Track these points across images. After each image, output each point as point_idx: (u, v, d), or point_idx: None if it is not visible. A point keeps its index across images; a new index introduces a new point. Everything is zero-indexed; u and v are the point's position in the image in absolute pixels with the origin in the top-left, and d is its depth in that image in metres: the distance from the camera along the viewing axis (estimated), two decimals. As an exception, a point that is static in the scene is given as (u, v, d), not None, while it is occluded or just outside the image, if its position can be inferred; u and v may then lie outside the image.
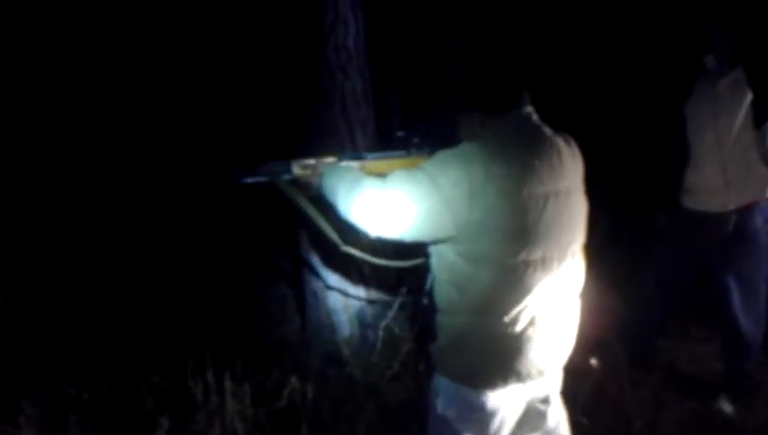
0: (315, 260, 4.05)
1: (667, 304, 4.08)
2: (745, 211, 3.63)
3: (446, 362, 2.27)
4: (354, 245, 2.75)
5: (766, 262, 3.77)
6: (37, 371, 3.60)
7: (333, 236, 2.69)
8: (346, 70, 3.90)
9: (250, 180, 2.54)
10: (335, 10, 3.81)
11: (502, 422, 2.26)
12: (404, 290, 4.07)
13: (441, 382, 2.30)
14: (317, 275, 4.07)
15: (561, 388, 2.45)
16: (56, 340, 4.06)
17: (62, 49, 4.84)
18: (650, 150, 4.17)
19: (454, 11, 4.78)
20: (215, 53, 4.77)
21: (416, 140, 2.55)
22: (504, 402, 2.23)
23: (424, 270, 2.36)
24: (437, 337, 2.29)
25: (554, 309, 2.21)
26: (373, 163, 2.54)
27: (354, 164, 2.52)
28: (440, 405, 2.30)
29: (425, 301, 2.37)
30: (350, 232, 2.50)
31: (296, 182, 2.54)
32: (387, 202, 2.12)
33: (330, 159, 2.54)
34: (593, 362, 3.98)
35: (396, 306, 4.09)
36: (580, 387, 3.44)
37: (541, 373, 2.24)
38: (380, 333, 4.06)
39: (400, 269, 2.94)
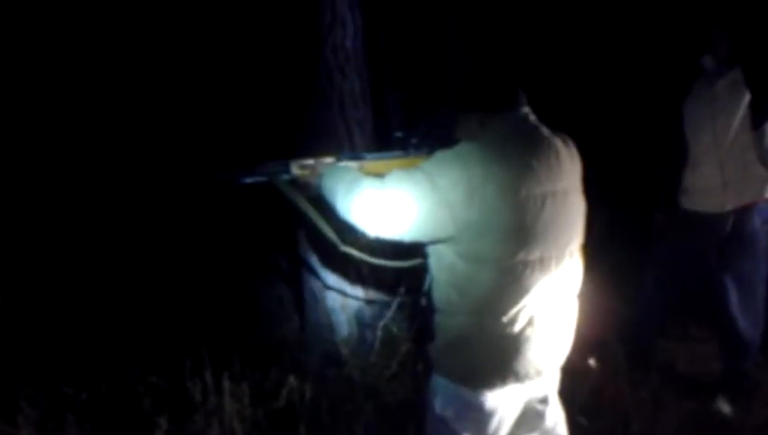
0: (314, 260, 4.05)
1: (666, 305, 4.09)
2: (743, 212, 3.64)
3: (445, 362, 2.27)
4: (353, 245, 2.75)
5: (764, 262, 3.77)
6: (35, 370, 3.60)
7: (332, 236, 2.68)
8: (344, 70, 3.90)
9: (249, 180, 2.54)
10: (333, 10, 3.81)
11: (500, 422, 2.26)
12: (402, 290, 4.07)
13: (439, 382, 2.30)
14: (316, 275, 4.07)
15: (559, 388, 2.46)
16: (54, 340, 4.06)
17: (62, 49, 4.84)
18: (648, 151, 4.18)
19: (454, 11, 4.77)
20: (213, 53, 4.77)
21: (414, 141, 2.55)
22: (503, 402, 2.23)
23: (422, 270, 2.36)
24: (436, 337, 2.29)
25: (553, 309, 2.21)
26: (372, 163, 2.53)
27: (353, 164, 2.51)
28: (438, 405, 2.30)
29: (423, 301, 2.37)
30: (348, 232, 2.50)
31: (295, 182, 2.54)
32: (385, 202, 2.12)
33: (328, 160, 2.54)
34: (592, 362, 3.98)
35: (394, 306, 4.10)
36: (578, 387, 3.45)
37: (539, 373, 2.24)
38: (379, 334, 4.06)
39: (399, 269, 2.94)
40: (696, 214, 3.76)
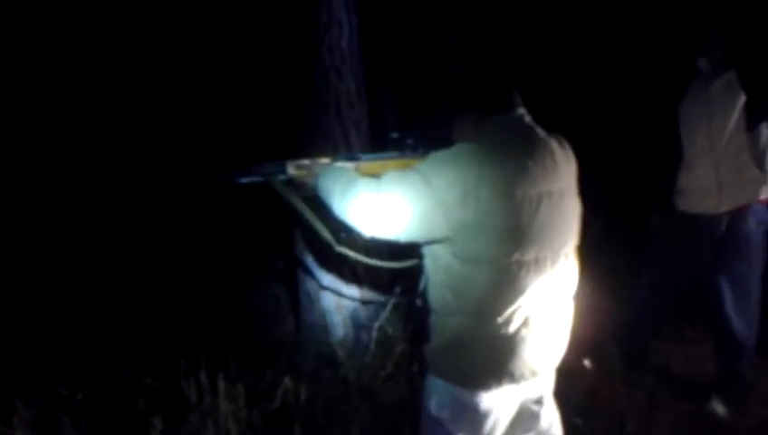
0: (309, 261, 4.04)
1: (661, 306, 4.09)
2: (738, 213, 3.64)
3: (440, 363, 2.27)
4: (348, 245, 2.74)
5: (759, 264, 3.77)
6: (31, 371, 3.60)
7: (328, 236, 2.68)
8: (340, 71, 3.90)
9: (245, 180, 2.53)
10: (329, 11, 3.81)
11: (495, 423, 2.26)
12: (398, 291, 4.07)
13: (434, 383, 2.30)
14: (311, 275, 4.07)
15: (554, 389, 2.46)
16: (50, 341, 4.05)
17: (62, 50, 4.83)
18: (644, 152, 4.18)
19: (453, 11, 4.78)
20: (210, 53, 4.77)
21: (410, 142, 2.55)
22: (498, 403, 2.23)
23: (418, 271, 2.36)
24: (431, 338, 2.29)
25: (548, 310, 2.21)
26: (368, 164, 2.54)
27: (349, 165, 2.52)
28: (433, 406, 2.30)
29: (418, 302, 2.37)
30: (344, 233, 2.50)
31: (291, 182, 2.54)
32: (381, 203, 2.12)
33: (324, 160, 2.54)
34: (587, 363, 3.99)
35: (389, 307, 4.09)
36: (573, 388, 3.45)
37: (534, 374, 2.24)
38: (374, 334, 4.06)
39: (394, 270, 2.94)
40: (691, 215, 3.77)
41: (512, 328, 2.13)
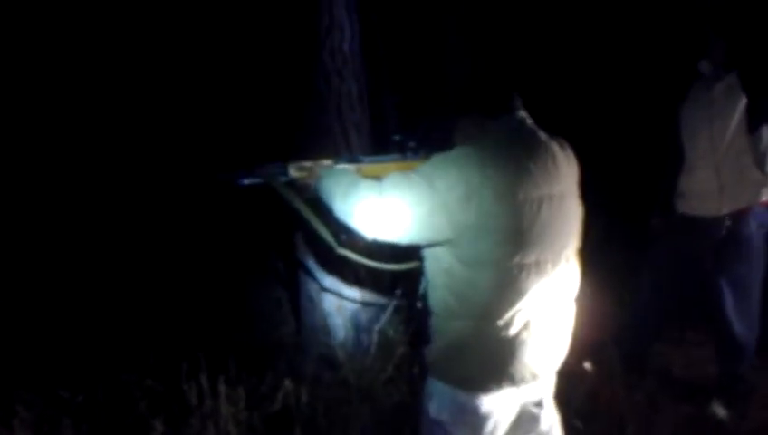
0: (310, 263, 4.05)
1: (662, 309, 4.09)
2: (739, 216, 3.64)
3: (440, 366, 2.27)
4: (350, 247, 2.74)
5: (759, 266, 3.77)
6: (32, 374, 3.60)
7: (329, 238, 2.68)
8: (341, 73, 3.91)
9: (247, 182, 2.53)
10: (331, 14, 3.82)
11: (495, 426, 2.26)
12: (399, 293, 4.07)
13: (435, 386, 2.30)
14: (312, 277, 4.07)
15: (554, 391, 2.46)
16: (51, 343, 4.05)
17: (62, 51, 4.84)
18: (645, 155, 4.18)
19: (454, 14, 4.79)
20: (212, 56, 4.77)
21: (412, 144, 2.55)
22: (498, 406, 2.23)
23: (419, 273, 2.36)
24: (432, 340, 2.29)
25: (548, 313, 2.21)
26: (370, 166, 2.54)
27: (350, 167, 2.52)
28: (434, 408, 2.30)
29: (419, 304, 2.36)
30: (345, 235, 2.50)
31: (293, 184, 2.54)
32: (383, 205, 2.12)
33: (326, 162, 2.54)
34: (588, 365, 3.99)
35: (390, 310, 4.10)
36: (574, 390, 3.45)
37: (534, 377, 2.24)
38: (375, 337, 4.06)
39: (395, 272, 2.93)
40: (692, 218, 3.76)
41: (512, 331, 2.13)
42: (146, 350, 3.72)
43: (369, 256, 2.83)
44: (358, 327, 4.11)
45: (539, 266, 2.11)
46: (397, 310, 4.12)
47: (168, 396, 3.45)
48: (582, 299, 2.38)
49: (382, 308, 4.12)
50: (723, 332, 3.87)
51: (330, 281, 4.03)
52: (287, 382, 3.57)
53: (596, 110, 6.04)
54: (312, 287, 4.11)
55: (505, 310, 2.10)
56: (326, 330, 4.11)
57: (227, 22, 4.66)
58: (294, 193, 2.55)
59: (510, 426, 2.33)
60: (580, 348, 2.70)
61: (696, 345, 4.53)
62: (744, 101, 3.50)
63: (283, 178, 2.53)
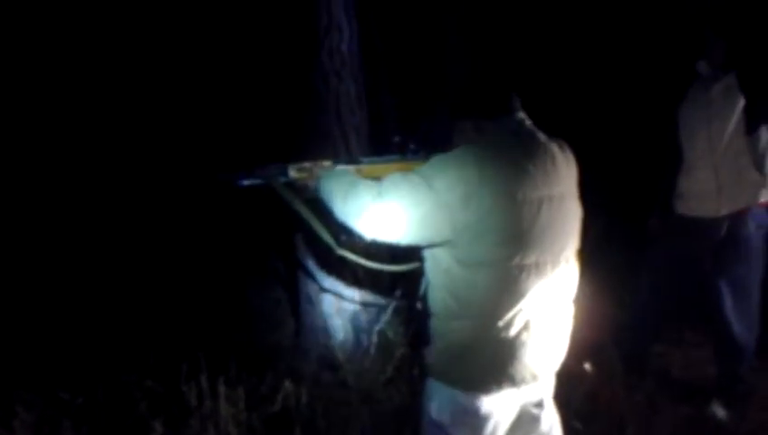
0: (310, 264, 4.05)
1: (661, 310, 4.09)
2: (738, 217, 3.64)
3: (440, 367, 2.27)
4: (349, 248, 2.74)
5: (759, 267, 3.77)
6: (32, 375, 3.60)
7: (329, 239, 2.68)
8: (340, 74, 3.91)
9: (246, 183, 2.54)
10: (329, 15, 3.82)
11: (495, 427, 2.26)
12: (398, 294, 4.07)
13: (435, 387, 2.30)
14: (312, 278, 4.07)
15: (554, 392, 2.46)
16: (51, 344, 4.05)
17: (63, 53, 4.84)
18: (644, 156, 4.19)
19: (453, 15, 4.79)
20: (211, 56, 4.78)
21: (411, 145, 2.56)
22: (498, 407, 2.23)
23: (418, 274, 2.36)
24: (431, 341, 2.29)
25: (548, 314, 2.21)
26: (369, 167, 2.54)
27: (350, 168, 2.52)
28: (434, 410, 2.30)
29: (419, 305, 2.37)
30: (345, 235, 2.50)
31: (292, 185, 2.54)
32: (383, 205, 2.12)
33: (326, 163, 2.54)
34: (587, 366, 3.99)
35: (390, 311, 4.10)
36: (573, 391, 3.45)
37: (534, 378, 2.25)
38: (374, 338, 4.06)
39: (395, 273, 2.94)
40: (691, 219, 3.77)
41: (512, 332, 2.13)
42: (146, 351, 3.72)
43: (369, 256, 2.83)
44: (357, 328, 4.11)
45: (539, 267, 2.11)
46: (396, 311, 4.12)
47: (168, 397, 3.45)
48: (582, 300, 2.38)
49: (382, 309, 4.13)
50: (722, 333, 3.87)
51: (329, 282, 4.03)
52: (287, 383, 3.57)
53: (595, 111, 6.04)
54: (312, 288, 4.11)
55: (505, 311, 2.10)
56: (326, 331, 4.11)
57: (226, 22, 4.66)
58: (294, 194, 2.55)
59: (510, 427, 2.33)
60: (580, 349, 2.70)
61: (696, 346, 4.54)
62: (742, 102, 3.51)
63: (282, 179, 2.54)
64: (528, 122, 2.24)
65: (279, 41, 3.89)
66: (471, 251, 2.06)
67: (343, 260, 2.80)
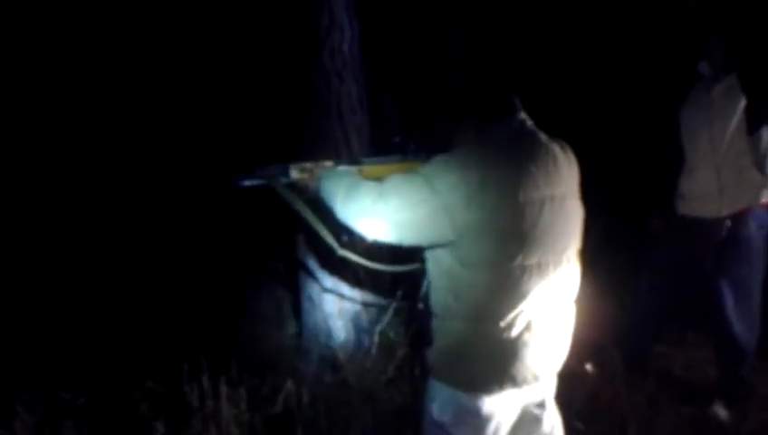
0: (311, 264, 4.05)
1: (663, 310, 4.09)
2: (739, 217, 3.64)
3: (442, 367, 2.27)
4: (350, 249, 2.74)
5: (760, 268, 3.77)
6: (33, 376, 3.60)
7: (330, 240, 2.68)
8: (341, 74, 3.91)
9: (247, 183, 2.54)
10: (331, 15, 3.82)
11: (497, 427, 2.26)
12: (399, 294, 4.07)
13: (436, 387, 2.30)
14: (313, 278, 4.07)
15: (556, 392, 2.46)
16: (52, 345, 4.05)
17: (63, 53, 4.84)
18: (645, 156, 4.19)
19: (455, 16, 4.79)
20: (212, 57, 4.78)
21: (413, 145, 2.56)
22: (500, 407, 2.23)
23: (420, 275, 2.36)
24: (433, 342, 2.29)
25: (550, 314, 2.21)
26: (371, 168, 2.54)
27: (351, 168, 2.52)
28: (435, 410, 2.30)
29: (420, 306, 2.37)
30: (346, 236, 2.50)
31: (294, 186, 2.54)
32: (384, 206, 2.12)
33: (327, 163, 2.54)
34: (589, 366, 3.99)
35: (391, 311, 4.10)
36: (575, 392, 3.45)
37: (536, 378, 2.24)
38: (376, 338, 4.06)
39: (396, 274, 2.94)
40: (693, 219, 3.77)
41: (514, 332, 2.13)
42: (147, 351, 3.72)
43: (370, 257, 2.83)
44: (359, 328, 4.11)
45: (541, 268, 2.11)
46: (397, 311, 4.12)
47: (170, 397, 3.45)
48: (583, 300, 2.38)
49: (383, 309, 4.13)
50: (723, 333, 3.87)
51: (331, 282, 4.03)
52: (288, 383, 3.57)
53: (596, 111, 6.04)
54: (313, 289, 4.11)
55: (507, 311, 2.10)
56: (327, 331, 4.11)
57: (227, 23, 4.66)
58: (295, 195, 2.56)
59: (512, 427, 2.33)
60: (582, 349, 2.71)
61: (697, 347, 4.53)
62: (743, 103, 3.51)
63: (283, 180, 2.54)
64: (529, 123, 2.24)
65: (280, 41, 3.89)
66: (473, 252, 2.06)
67: (345, 261, 2.80)
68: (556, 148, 2.20)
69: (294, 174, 2.52)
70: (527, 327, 2.15)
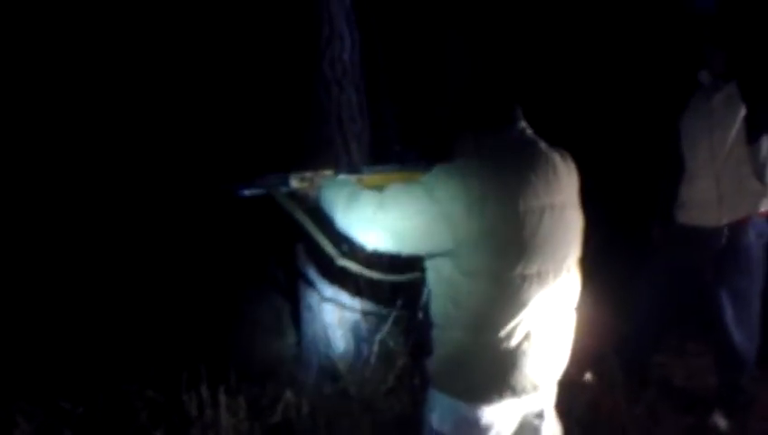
0: (311, 273, 4.05)
1: (662, 318, 4.09)
2: (738, 226, 3.64)
3: (442, 377, 2.26)
4: (350, 258, 2.74)
5: (759, 277, 3.77)
6: (32, 385, 3.59)
7: (330, 249, 2.68)
8: (341, 83, 3.92)
9: (247, 193, 2.54)
10: (331, 24, 3.83)
11: (497, 437, 2.26)
12: (399, 304, 4.07)
13: (436, 397, 2.29)
14: (313, 288, 4.07)
15: (556, 402, 2.45)
16: (51, 354, 4.05)
17: (64, 59, 4.85)
18: (646, 165, 4.19)
19: (455, 25, 4.80)
20: (212, 65, 4.78)
21: (413, 154, 2.56)
22: (499, 417, 2.22)
23: (420, 284, 2.36)
24: (433, 351, 2.28)
25: (550, 323, 2.21)
26: (370, 176, 2.54)
27: (351, 177, 2.52)
28: (435, 420, 2.29)
29: (420, 315, 2.36)
30: (346, 245, 2.50)
31: (294, 195, 2.54)
32: (384, 216, 2.12)
33: (327, 173, 2.54)
34: (589, 376, 3.99)
35: (391, 320, 4.09)
36: (575, 401, 3.45)
37: (536, 388, 2.24)
38: (375, 348, 4.06)
39: (396, 283, 2.94)
40: (692, 228, 3.77)
41: (513, 342, 2.12)
42: (146, 360, 3.72)
43: (370, 266, 2.83)
44: (358, 338, 4.11)
45: (541, 277, 2.11)
46: (397, 321, 4.11)
47: (169, 407, 3.45)
48: (583, 309, 2.38)
49: (383, 319, 4.12)
50: (723, 342, 3.87)
51: (330, 291, 4.03)
52: (288, 393, 3.57)
53: (596, 120, 6.04)
54: (313, 298, 4.11)
55: (507, 321, 2.10)
56: (327, 341, 4.10)
57: (228, 32, 4.67)
58: (295, 204, 2.56)
59: (511, 437, 2.33)
60: (581, 358, 2.71)
61: (697, 356, 4.53)
62: (743, 111, 3.51)
63: (283, 189, 2.54)
64: (529, 131, 2.24)
65: (281, 50, 3.90)
66: (473, 261, 2.06)
67: (344, 270, 2.80)
68: (556, 156, 2.20)
69: (294, 183, 2.52)
70: (527, 337, 2.15)
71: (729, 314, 3.77)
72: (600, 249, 4.17)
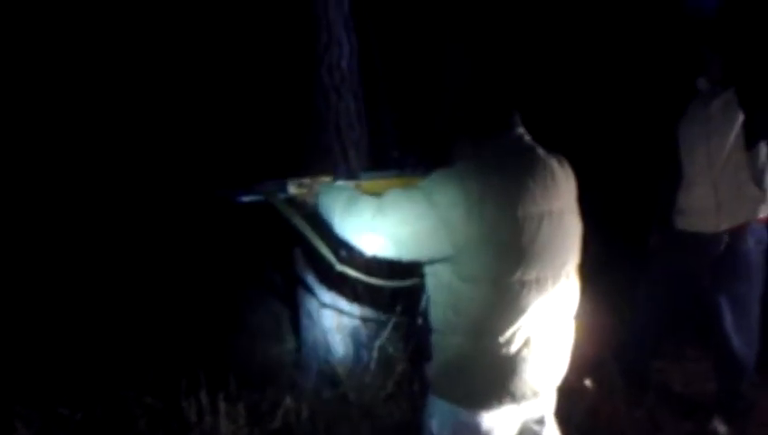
0: (310, 279, 4.05)
1: (661, 324, 4.08)
2: (737, 232, 3.64)
3: (441, 383, 2.26)
4: (349, 264, 2.74)
5: (758, 283, 3.77)
6: (31, 391, 3.59)
7: (328, 255, 2.68)
8: (339, 90, 3.93)
9: (246, 199, 2.54)
10: (329, 31, 3.84)
11: (496, 443, 2.25)
12: (398, 310, 4.07)
13: (436, 403, 2.29)
14: (312, 294, 4.07)
15: (555, 408, 2.45)
16: (50, 360, 4.04)
17: (64, 60, 4.86)
18: (644, 171, 4.19)
19: (453, 33, 4.80)
20: (211, 72, 4.79)
21: (411, 160, 2.56)
22: (499, 423, 2.22)
23: (419, 290, 2.36)
24: (432, 357, 2.28)
25: (549, 330, 2.21)
26: (369, 183, 2.54)
27: (349, 183, 2.52)
28: (435, 426, 2.29)
29: (419, 321, 2.36)
30: (345, 251, 2.50)
31: (292, 201, 2.54)
32: (382, 221, 2.12)
33: (325, 179, 2.54)
34: (588, 382, 3.98)
35: (390, 326, 4.09)
36: (574, 407, 3.45)
37: (535, 394, 2.24)
38: (375, 354, 4.05)
39: (395, 289, 2.94)
40: (691, 234, 3.77)
41: (513, 348, 2.13)
42: (145, 366, 3.72)
43: (369, 272, 2.83)
44: (358, 344, 4.11)
45: (539, 283, 2.11)
46: (396, 326, 4.11)
47: (168, 413, 3.45)
48: (582, 315, 2.38)
49: (382, 325, 4.12)
50: (722, 348, 3.86)
51: (329, 297, 4.03)
52: (287, 399, 3.57)
53: (594, 126, 6.05)
54: (312, 304, 4.11)
55: (506, 327, 2.10)
56: (326, 346, 4.10)
57: (227, 39, 4.68)
58: (293, 210, 2.56)
59: (511, 443, 2.32)
60: (581, 364, 2.70)
61: (696, 362, 4.53)
62: (741, 118, 3.51)
63: (282, 195, 2.54)
64: (527, 138, 2.24)
65: (279, 57, 3.90)
66: (472, 266, 2.06)
67: (343, 276, 2.80)
68: (554, 162, 2.20)
69: (292, 189, 2.52)
70: (526, 343, 2.15)
71: (728, 320, 3.77)
72: (599, 255, 4.18)
